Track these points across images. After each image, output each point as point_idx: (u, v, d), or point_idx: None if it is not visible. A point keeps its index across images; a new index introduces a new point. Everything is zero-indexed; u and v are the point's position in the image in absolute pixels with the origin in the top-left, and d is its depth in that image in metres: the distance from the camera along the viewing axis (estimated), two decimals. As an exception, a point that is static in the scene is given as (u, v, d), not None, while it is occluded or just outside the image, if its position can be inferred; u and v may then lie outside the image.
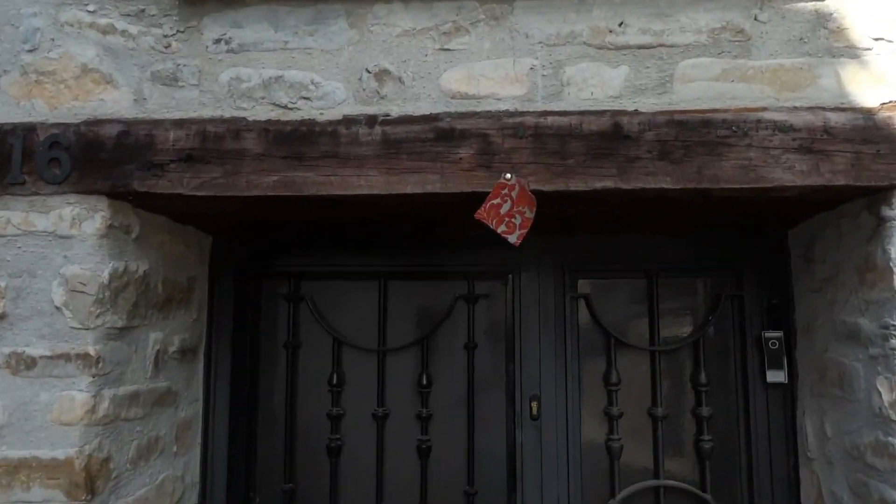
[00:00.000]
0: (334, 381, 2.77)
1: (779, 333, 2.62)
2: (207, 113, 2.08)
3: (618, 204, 2.13)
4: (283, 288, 2.86)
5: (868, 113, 1.93)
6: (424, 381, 2.75)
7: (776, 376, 2.62)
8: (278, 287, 2.87)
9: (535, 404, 2.68)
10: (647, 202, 2.10)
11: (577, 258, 2.75)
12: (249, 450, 2.78)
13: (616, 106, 2.00)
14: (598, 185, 1.96)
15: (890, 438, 1.96)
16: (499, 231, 1.97)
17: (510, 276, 2.78)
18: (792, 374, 2.61)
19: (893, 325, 1.93)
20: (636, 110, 1.99)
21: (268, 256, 2.83)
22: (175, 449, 2.50)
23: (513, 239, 1.98)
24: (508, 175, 1.96)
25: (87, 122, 2.07)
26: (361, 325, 2.82)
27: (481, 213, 1.96)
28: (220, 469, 2.70)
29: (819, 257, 2.41)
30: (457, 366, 2.79)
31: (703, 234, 2.69)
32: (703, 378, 2.68)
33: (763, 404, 2.64)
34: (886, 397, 1.96)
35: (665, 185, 1.94)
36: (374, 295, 2.82)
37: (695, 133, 1.95)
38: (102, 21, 2.12)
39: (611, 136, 1.97)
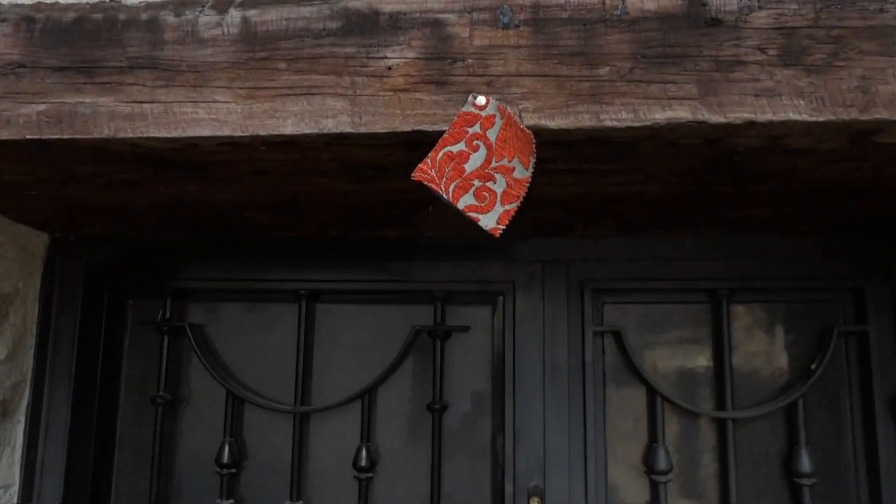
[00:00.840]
0: (225, 459, 1.80)
1: (930, 394, 1.64)
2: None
3: (689, 167, 1.16)
4: (157, 312, 1.89)
5: None
6: (364, 462, 1.78)
7: (927, 463, 1.63)
8: (151, 310, 1.91)
9: (535, 501, 1.69)
10: (747, 161, 1.12)
11: (602, 271, 1.82)
12: (96, 565, 1.81)
13: (691, -36, 1.04)
14: (661, 116, 1.00)
15: None
16: (460, 205, 1.01)
17: (500, 298, 1.84)
18: (952, 459, 1.62)
19: None
20: (737, -27, 1.03)
21: (135, 264, 1.90)
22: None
23: (489, 221, 1.02)
24: (482, 99, 1.01)
25: None
26: (272, 372, 1.89)
27: (425, 171, 0.99)
28: None
29: None
30: (416, 437, 1.83)
31: (802, 234, 1.73)
32: (804, 464, 1.71)
33: (905, 505, 1.66)
34: None
35: (796, 116, 0.97)
36: (292, 324, 1.86)
37: (853, 11, 0.98)
38: None
39: (684, 19, 1.01)
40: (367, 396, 1.83)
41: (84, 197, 1.47)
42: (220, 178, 1.28)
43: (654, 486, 1.75)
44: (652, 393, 1.79)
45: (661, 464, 1.75)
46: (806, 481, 1.72)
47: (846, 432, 1.77)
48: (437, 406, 1.81)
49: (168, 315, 1.90)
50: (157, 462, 1.84)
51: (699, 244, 1.79)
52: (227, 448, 1.82)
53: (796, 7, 0.99)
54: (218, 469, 1.81)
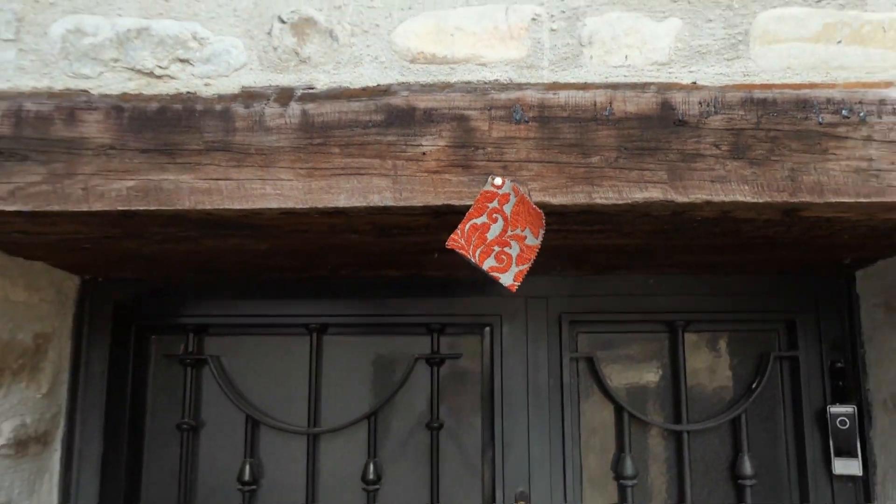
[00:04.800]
0: (246, 477, 2.00)
1: (849, 409, 1.95)
2: (28, 83, 1.34)
3: (658, 228, 1.44)
4: (180, 346, 2.09)
5: None
6: (371, 475, 2.00)
7: (847, 467, 1.95)
8: (173, 345, 2.12)
9: (523, 506, 1.94)
10: (703, 225, 1.41)
11: (577, 305, 2.07)
12: (125, 577, 1.97)
13: (664, 77, 1.32)
14: (640, 196, 1.26)
15: None
16: (485, 267, 1.26)
17: (488, 329, 2.08)
18: (868, 464, 1.93)
19: None
20: (694, 83, 1.31)
21: (159, 303, 2.08)
22: (0, 591, 1.70)
23: (507, 279, 1.27)
24: (499, 180, 1.26)
25: None
26: (286, 397, 2.08)
27: (457, 240, 1.24)
28: None
29: (917, 307, 1.75)
30: (416, 452, 2.06)
31: (747, 273, 2.02)
32: (746, 468, 2.00)
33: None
34: None
35: (741, 198, 1.25)
36: (304, 354, 2.08)
37: (785, 119, 1.27)
38: None
39: (657, 121, 1.28)
40: (373, 417, 2.04)
41: (132, 249, 1.67)
42: (267, 236, 1.51)
43: (622, 490, 2.01)
44: (619, 410, 2.05)
45: (628, 470, 2.01)
46: (748, 482, 2.00)
47: (781, 441, 2.05)
48: (435, 424, 2.04)
49: (190, 348, 2.09)
50: (183, 482, 2.02)
51: (660, 282, 2.05)
52: (247, 467, 2.01)
53: (743, 114, 1.28)
54: (239, 486, 2.00)
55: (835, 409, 1.96)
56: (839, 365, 2.01)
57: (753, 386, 2.05)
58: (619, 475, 2.02)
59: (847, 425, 1.95)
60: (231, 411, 2.06)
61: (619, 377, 2.10)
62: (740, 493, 2.01)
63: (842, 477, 1.96)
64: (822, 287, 2.05)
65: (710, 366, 2.12)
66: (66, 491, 1.95)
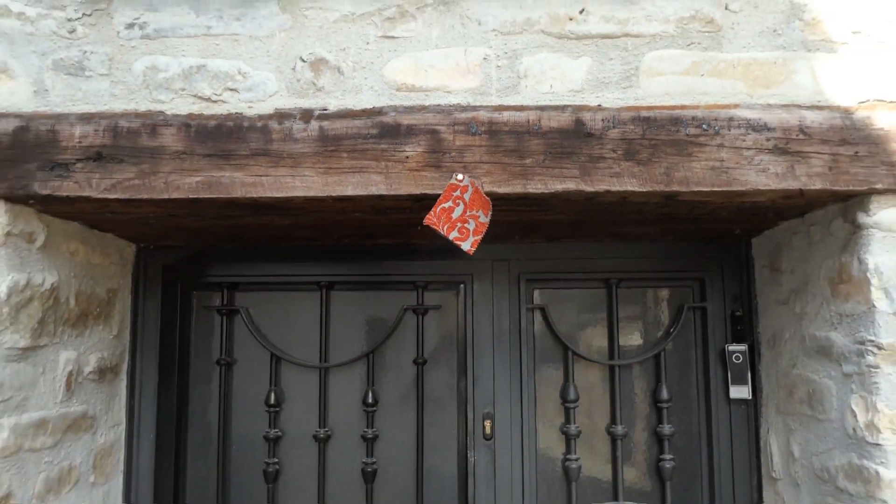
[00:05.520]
0: (272, 401, 2.55)
1: (743, 347, 2.49)
2: (120, 106, 1.85)
3: (579, 209, 1.96)
4: (216, 299, 2.63)
5: (846, 112, 1.80)
6: (370, 400, 2.55)
7: (740, 392, 2.49)
8: (210, 299, 2.64)
9: (488, 423, 2.50)
10: (611, 206, 1.93)
11: (533, 267, 2.59)
12: (178, 476, 2.54)
13: (578, 101, 1.83)
14: (559, 187, 1.78)
15: (865, 462, 1.83)
16: (450, 237, 1.78)
17: (462, 285, 2.61)
18: (756, 390, 2.49)
19: (870, 341, 1.80)
20: (599, 106, 1.82)
21: (198, 265, 2.59)
22: (93, 479, 2.25)
23: (466, 246, 1.79)
24: (460, 176, 1.78)
25: (-20, 115, 1.82)
26: (302, 340, 2.61)
27: (431, 218, 1.76)
28: (145, 499, 2.47)
29: (786, 267, 2.28)
30: (405, 382, 2.60)
31: (666, 241, 2.55)
32: (664, 394, 2.54)
33: (726, 421, 2.51)
34: (862, 418, 1.83)
35: (631, 188, 1.78)
36: (316, 306, 2.61)
37: (663, 131, 1.79)
38: (-4, 0, 1.87)
39: (572, 133, 1.80)
40: (371, 355, 2.57)
41: (184, 224, 2.18)
42: (292, 215, 2.03)
43: (567, 411, 2.54)
44: (565, 349, 2.58)
45: (571, 395, 2.54)
46: (665, 405, 2.53)
47: (692, 373, 2.57)
48: (420, 361, 2.58)
49: (224, 302, 2.62)
50: (221, 406, 2.57)
51: (597, 248, 2.56)
52: (272, 394, 2.55)
53: (633, 127, 1.79)
54: (266, 408, 2.55)
55: (732, 347, 2.50)
56: (738, 313, 2.54)
57: (671, 330, 2.59)
58: (564, 400, 2.56)
59: (741, 360, 2.49)
60: (258, 351, 2.59)
61: (566, 323, 2.63)
62: (659, 414, 2.55)
63: (736, 400, 2.50)
64: (726, 252, 2.57)
65: (637, 314, 2.65)
66: (131, 411, 2.49)
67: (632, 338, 2.63)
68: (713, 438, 2.50)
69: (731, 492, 2.48)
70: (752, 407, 2.50)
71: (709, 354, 2.55)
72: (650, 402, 2.58)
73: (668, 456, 2.51)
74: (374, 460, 2.53)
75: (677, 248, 2.57)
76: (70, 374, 2.12)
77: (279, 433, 2.54)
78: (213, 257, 2.59)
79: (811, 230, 2.11)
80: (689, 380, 2.59)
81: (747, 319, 2.53)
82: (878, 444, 1.79)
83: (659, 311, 2.64)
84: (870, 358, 1.81)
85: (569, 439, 2.52)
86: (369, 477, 2.52)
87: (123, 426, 2.46)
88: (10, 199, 1.81)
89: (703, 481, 2.51)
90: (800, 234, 2.18)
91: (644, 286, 2.64)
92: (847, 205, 1.89)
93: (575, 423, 2.53)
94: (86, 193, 1.80)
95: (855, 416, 1.86)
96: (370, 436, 2.53)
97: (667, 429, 2.51)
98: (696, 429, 2.55)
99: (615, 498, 2.52)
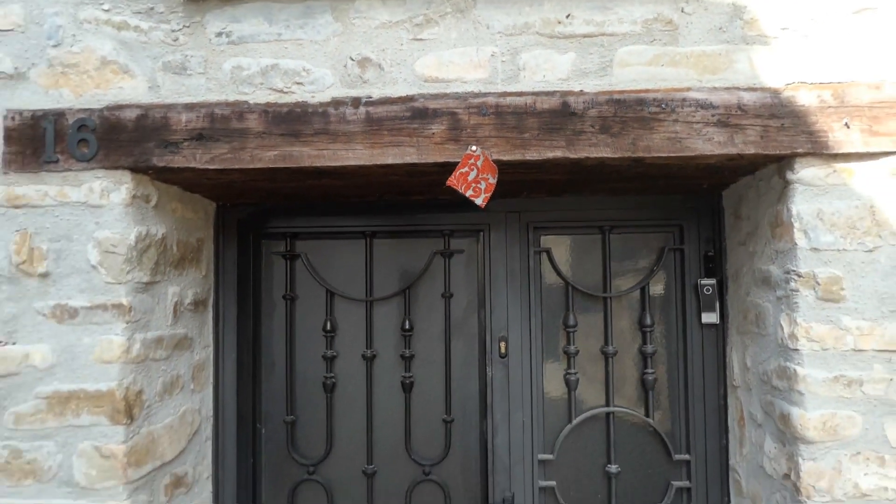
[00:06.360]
0: (328, 328, 3.15)
1: (712, 281, 3.01)
2: (214, 97, 2.41)
3: (568, 170, 2.50)
4: (280, 246, 3.22)
5: (775, 92, 2.30)
6: (407, 326, 3.14)
7: (709, 318, 3.02)
8: (276, 246, 3.23)
9: (503, 344, 3.08)
10: (593, 168, 2.47)
11: (539, 217, 3.12)
12: (255, 388, 3.17)
13: (564, 87, 2.36)
14: (550, 154, 2.32)
15: (788, 363, 2.37)
16: (467, 195, 2.33)
17: (481, 233, 3.15)
18: (723, 316, 3.02)
19: (793, 271, 2.33)
20: (581, 91, 2.35)
21: (266, 219, 3.18)
22: (192, 386, 2.89)
23: (479, 201, 2.35)
24: (474, 147, 2.32)
25: (110, 107, 2.40)
26: (351, 279, 3.19)
27: (452, 181, 2.31)
28: (230, 404, 3.10)
29: (744, 215, 2.79)
30: (435, 312, 3.18)
31: (651, 195, 3.07)
32: (647, 320, 3.09)
33: (698, 342, 3.05)
34: (787, 330, 2.37)
35: (605, 155, 2.31)
36: (362, 251, 3.19)
37: (630, 110, 2.31)
38: (117, 18, 2.43)
39: (560, 113, 2.33)
40: (407, 291, 3.16)
41: (260, 186, 2.76)
42: (344, 178, 2.59)
43: (568, 334, 3.09)
44: (566, 283, 3.14)
45: (571, 321, 3.10)
46: (648, 329, 3.07)
47: (671, 303, 3.10)
48: (447, 295, 3.16)
49: (287, 248, 3.23)
50: (287, 332, 3.19)
51: (593, 201, 3.08)
52: (328, 322, 3.16)
53: (607, 108, 2.32)
54: (323, 334, 3.16)
55: (704, 281, 3.02)
56: (709, 254, 3.06)
57: (654, 268, 3.12)
58: (566, 325, 3.12)
59: (710, 292, 3.02)
60: (315, 288, 3.20)
61: (567, 264, 3.17)
62: (644, 336, 3.10)
63: (707, 324, 3.03)
64: (701, 203, 3.08)
65: (627, 256, 3.19)
66: (217, 336, 3.11)
67: (623, 276, 3.17)
68: (688, 356, 3.05)
69: (703, 398, 3.04)
70: (720, 330, 3.03)
71: (685, 288, 3.07)
72: (636, 328, 3.13)
73: (650, 370, 3.07)
74: (411, 375, 3.14)
75: (660, 200, 3.09)
76: (175, 304, 2.74)
77: (334, 353, 3.16)
78: (277, 212, 3.18)
79: (759, 185, 2.62)
80: (668, 309, 3.13)
81: (717, 258, 3.05)
82: (796, 350, 2.33)
83: (645, 253, 3.17)
84: (792, 284, 2.34)
85: (569, 357, 3.10)
86: (407, 388, 3.13)
87: (211, 348, 3.09)
88: (135, 170, 2.41)
89: (679, 390, 3.08)
90: (753, 188, 2.69)
91: (632, 232, 3.15)
92: (780, 165, 2.40)
93: (574, 345, 3.10)
94: (191, 165, 2.38)
95: (783, 330, 2.41)
96: (407, 355, 3.13)
97: (649, 349, 3.07)
98: (675, 348, 3.10)
99: (607, 405, 3.10)
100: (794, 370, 2.33)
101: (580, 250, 3.19)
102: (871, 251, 2.28)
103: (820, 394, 2.28)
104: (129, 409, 2.38)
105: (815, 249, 2.30)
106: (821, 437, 2.28)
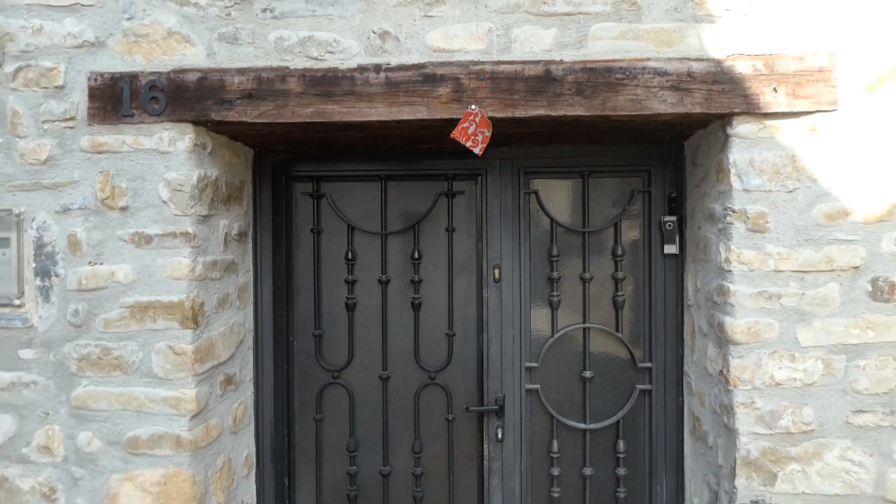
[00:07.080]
0: (349, 257, 3.73)
1: (673, 218, 3.57)
2: (261, 63, 2.93)
3: (551, 125, 3.04)
4: (308, 188, 3.77)
5: (718, 62, 2.82)
6: (416, 256, 3.71)
7: (670, 249, 3.59)
8: (304, 187, 3.77)
9: (497, 271, 3.66)
10: (570, 124, 3.01)
11: (529, 163, 3.64)
12: (288, 307, 3.76)
13: (547, 57, 2.88)
14: (534, 112, 2.86)
15: (724, 282, 2.96)
16: (467, 145, 2.87)
17: (479, 177, 3.69)
18: (682, 247, 3.58)
19: (729, 207, 2.90)
20: (561, 60, 2.87)
21: (295, 164, 3.71)
22: (238, 304, 3.48)
23: (476, 151, 2.89)
24: (473, 106, 2.85)
25: (175, 71, 2.93)
26: (368, 215, 3.75)
27: (455, 133, 2.85)
28: (267, 320, 3.69)
29: (699, 162, 3.34)
30: (440, 244, 3.74)
31: (623, 145, 3.61)
32: (619, 251, 3.66)
33: (661, 269, 3.62)
34: (723, 255, 2.95)
35: (580, 113, 2.85)
36: (377, 192, 3.74)
37: (600, 76, 2.84)
38: (180, -6, 2.95)
39: (543, 78, 2.85)
40: (416, 226, 3.70)
41: (294, 136, 3.30)
42: (366, 131, 3.13)
43: (552, 263, 3.67)
44: (551, 221, 3.69)
45: (555, 252, 3.65)
46: (619, 259, 3.62)
47: (640, 237, 3.66)
48: (450, 229, 3.71)
49: (314, 189, 3.78)
50: (315, 260, 3.76)
51: (574, 150, 3.60)
52: (349, 252, 3.73)
53: (582, 74, 2.84)
54: (345, 262, 3.73)
55: (666, 218, 3.58)
56: (672, 195, 3.61)
57: (626, 207, 3.68)
58: (549, 255, 3.68)
59: (672, 227, 3.58)
60: (338, 223, 3.75)
61: (553, 203, 3.73)
62: (616, 264, 3.68)
63: (668, 255, 3.61)
64: (667, 151, 3.61)
65: (603, 197, 3.74)
66: (256, 262, 3.67)
67: (599, 214, 3.73)
68: (652, 281, 3.63)
69: (663, 316, 3.63)
70: (679, 259, 3.60)
71: (651, 224, 3.62)
72: (610, 258, 3.70)
73: (620, 293, 3.66)
74: (420, 296, 3.73)
75: (631, 150, 3.62)
76: (225, 234, 3.31)
77: (354, 278, 3.74)
78: (305, 158, 3.71)
79: (709, 137, 3.16)
80: (637, 242, 3.69)
81: (678, 199, 3.60)
82: (730, 271, 2.91)
83: (618, 195, 3.72)
84: (728, 218, 2.91)
85: (552, 282, 3.68)
86: (416, 307, 3.73)
87: (252, 272, 3.67)
88: (196, 122, 2.94)
89: (645, 310, 3.67)
90: (705, 139, 3.23)
91: (607, 176, 3.67)
92: (723, 121, 2.94)
93: (557, 272, 3.67)
94: (243, 119, 2.92)
95: (720, 255, 2.98)
96: (416, 280, 3.71)
97: (620, 275, 3.65)
98: (641, 275, 3.67)
99: (584, 321, 3.70)
100: (728, 287, 2.92)
101: (563, 192, 3.72)
102: (791, 192, 2.84)
103: (746, 305, 2.87)
104: (195, 317, 2.97)
105: (747, 190, 2.86)
106: (746, 340, 2.88)
